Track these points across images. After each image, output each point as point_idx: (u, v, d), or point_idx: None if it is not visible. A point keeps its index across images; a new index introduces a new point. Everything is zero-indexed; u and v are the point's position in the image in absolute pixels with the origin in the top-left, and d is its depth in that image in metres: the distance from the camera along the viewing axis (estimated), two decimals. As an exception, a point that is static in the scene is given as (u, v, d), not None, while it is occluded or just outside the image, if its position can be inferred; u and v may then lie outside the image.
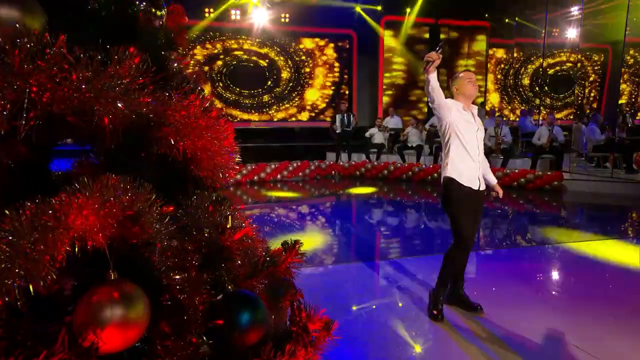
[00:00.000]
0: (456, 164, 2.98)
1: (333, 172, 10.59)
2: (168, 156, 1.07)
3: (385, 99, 13.77)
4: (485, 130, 10.86)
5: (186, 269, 1.12)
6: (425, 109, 13.90)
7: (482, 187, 3.06)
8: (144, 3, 1.01)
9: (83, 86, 0.83)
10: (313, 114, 13.96)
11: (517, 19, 14.32)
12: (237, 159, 1.34)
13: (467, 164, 2.98)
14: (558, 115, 15.06)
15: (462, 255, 3.04)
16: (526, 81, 15.84)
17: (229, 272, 1.27)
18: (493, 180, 3.19)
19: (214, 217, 1.31)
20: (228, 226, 1.31)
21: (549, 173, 8.94)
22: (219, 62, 12.90)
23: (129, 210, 0.89)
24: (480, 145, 3.03)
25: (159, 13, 1.05)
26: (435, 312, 3.04)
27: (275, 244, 1.64)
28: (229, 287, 1.26)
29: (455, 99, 3.03)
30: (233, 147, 1.26)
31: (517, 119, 13.38)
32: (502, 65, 15.64)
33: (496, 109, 13.91)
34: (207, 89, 12.47)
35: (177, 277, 1.08)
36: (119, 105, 0.87)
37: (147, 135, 1.00)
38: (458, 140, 2.97)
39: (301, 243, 1.62)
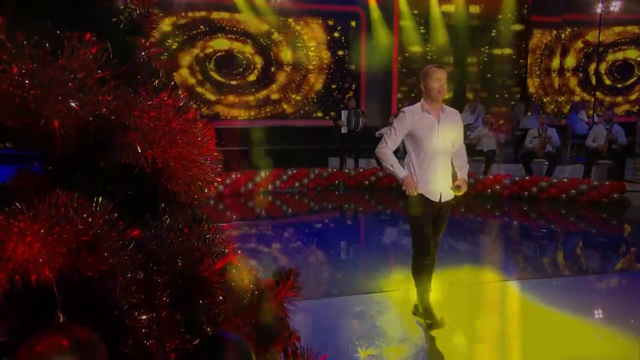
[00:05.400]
0: (416, 175, 3.50)
1: (337, 181, 10.60)
2: (133, 167, 1.07)
3: (401, 91, 13.82)
4: (526, 130, 10.88)
5: (155, 307, 1.11)
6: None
7: (445, 199, 3.52)
8: (104, -22, 1.02)
9: (27, 81, 0.84)
10: (311, 112, 14.00)
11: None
12: (218, 169, 1.34)
13: (428, 175, 3.47)
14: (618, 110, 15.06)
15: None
16: (570, 61, 15.82)
17: (208, 311, 1.26)
18: (463, 175, 3.62)
19: (189, 242, 1.30)
20: (207, 253, 1.30)
21: (607, 183, 8.93)
22: (197, 45, 12.97)
23: (84, 236, 0.89)
24: (444, 151, 3.50)
25: (122, -10, 1.06)
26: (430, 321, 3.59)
27: (266, 274, 1.63)
28: (208, 329, 1.25)
29: (423, 98, 3.51)
30: (214, 155, 1.26)
31: (568, 114, 13.39)
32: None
33: (540, 107, 13.89)
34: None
35: (143, 317, 1.08)
36: (72, 104, 0.88)
37: (107, 142, 1.01)
38: (414, 149, 3.50)
39: (298, 273, 1.61)
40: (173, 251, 1.24)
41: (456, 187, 3.49)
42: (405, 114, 3.49)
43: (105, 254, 0.95)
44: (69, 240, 0.86)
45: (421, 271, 3.57)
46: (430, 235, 3.53)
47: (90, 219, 0.92)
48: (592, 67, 15.53)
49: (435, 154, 3.46)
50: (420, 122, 3.45)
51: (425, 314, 3.58)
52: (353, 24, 14.04)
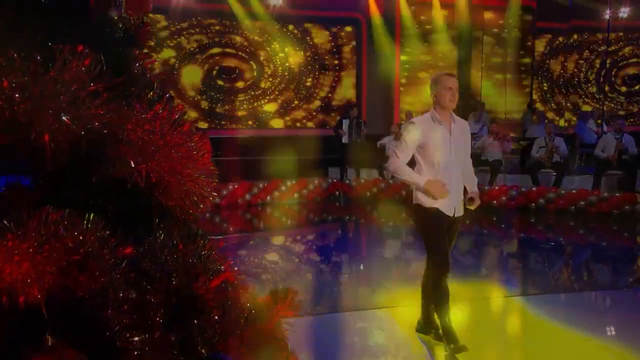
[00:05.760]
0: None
1: (337, 192, 10.60)
2: (127, 181, 1.07)
3: (405, 100, 13.85)
4: (533, 139, 10.90)
5: (148, 327, 1.11)
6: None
7: (458, 214, 3.44)
8: (98, -13, 1.02)
9: (17, 95, 0.84)
10: (311, 121, 14.02)
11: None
12: (214, 184, 1.34)
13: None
14: None
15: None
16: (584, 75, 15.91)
17: (202, 331, 1.25)
18: (474, 189, 3.56)
19: (184, 259, 1.30)
20: (202, 270, 1.30)
21: (617, 194, 8.92)
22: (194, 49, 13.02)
23: (75, 254, 0.89)
24: (456, 163, 3.42)
25: (116, 0, 1.06)
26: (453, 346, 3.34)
27: (264, 290, 1.62)
28: (203, 350, 1.25)
29: (433, 107, 3.45)
30: (209, 169, 1.26)
31: (575, 123, 13.41)
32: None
33: (546, 117, 13.91)
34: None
35: (136, 338, 1.07)
36: (64, 118, 0.88)
37: (99, 156, 1.01)
38: (425, 161, 3.40)
39: (296, 291, 1.61)
40: (167, 268, 1.24)
41: (469, 201, 3.43)
42: (416, 125, 3.40)
43: (97, 273, 0.95)
44: (59, 259, 0.86)
45: (440, 290, 3.42)
46: (447, 251, 3.43)
47: (81, 237, 0.91)
48: (591, 72, 15.58)
49: (448, 166, 3.36)
50: (432, 133, 3.36)
51: (447, 338, 3.39)
52: (354, 30, 14.09)
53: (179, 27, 12.85)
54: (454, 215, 3.39)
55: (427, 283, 3.54)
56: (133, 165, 1.03)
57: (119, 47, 1.08)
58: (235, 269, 1.54)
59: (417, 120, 3.47)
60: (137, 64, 1.12)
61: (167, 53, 12.76)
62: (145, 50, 1.16)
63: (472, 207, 3.46)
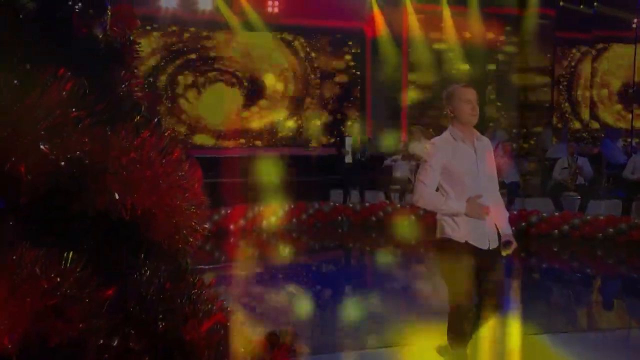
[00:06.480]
0: (455, 218, 3.21)
1: (339, 217, 10.57)
2: (110, 214, 1.07)
3: (413, 118, 13.91)
4: (554, 160, 10.92)
5: (131, 377, 1.09)
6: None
7: (493, 246, 3.24)
8: (80, 3, 1.03)
9: (-8, 122, 0.84)
10: (311, 139, 14.06)
11: (595, 3, 14.61)
12: (205, 214, 1.34)
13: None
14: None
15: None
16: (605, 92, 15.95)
17: (192, 381, 1.24)
18: (507, 229, 3.36)
19: (172, 299, 1.29)
20: (192, 312, 1.29)
21: (649, 221, 8.90)
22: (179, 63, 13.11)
23: (52, 298, 0.88)
24: (488, 186, 3.26)
25: (100, 17, 1.07)
26: None
27: (260, 328, 1.61)
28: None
29: (451, 125, 3.30)
30: (200, 199, 1.26)
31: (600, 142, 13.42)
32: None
33: (569, 134, 13.94)
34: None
35: (118, 390, 1.06)
36: (42, 147, 0.88)
37: (80, 187, 1.00)
38: (452, 187, 3.21)
39: (295, 334, 1.59)
40: (153, 310, 1.23)
41: (505, 245, 3.25)
42: (437, 146, 3.26)
43: (75, 318, 0.93)
44: (34, 305, 0.85)
45: (462, 338, 3.27)
46: (472, 294, 3.24)
47: (58, 279, 0.90)
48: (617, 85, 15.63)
49: (479, 190, 3.18)
50: (456, 153, 3.21)
51: None
52: (358, 43, 14.19)
53: (168, 35, 12.95)
54: (488, 247, 3.20)
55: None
56: (117, 197, 1.03)
57: (104, 67, 1.09)
58: (228, 308, 1.52)
59: (437, 140, 3.34)
60: (123, 85, 1.12)
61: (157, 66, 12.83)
62: (133, 70, 1.17)
63: (508, 252, 3.28)
